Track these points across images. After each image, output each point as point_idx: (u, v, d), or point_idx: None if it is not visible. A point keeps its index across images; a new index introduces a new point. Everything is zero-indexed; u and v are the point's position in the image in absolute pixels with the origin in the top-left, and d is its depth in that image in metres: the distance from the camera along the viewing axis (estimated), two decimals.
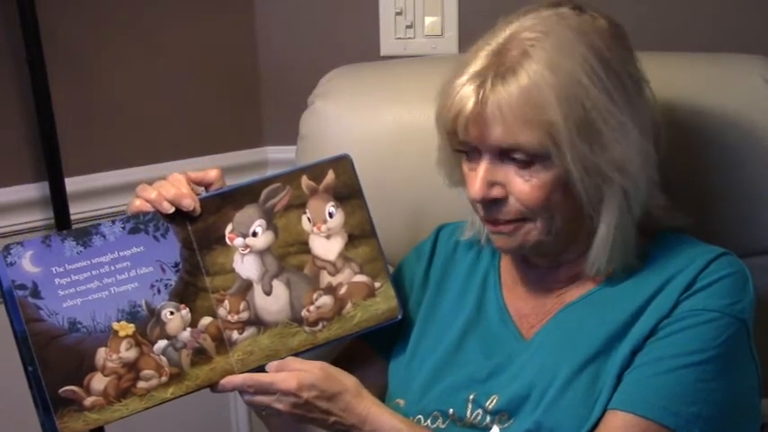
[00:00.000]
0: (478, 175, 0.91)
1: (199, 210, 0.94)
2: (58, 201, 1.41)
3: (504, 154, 0.90)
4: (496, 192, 0.92)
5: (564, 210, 0.92)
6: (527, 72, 0.87)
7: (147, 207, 0.94)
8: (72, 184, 1.44)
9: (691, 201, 1.00)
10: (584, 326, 0.94)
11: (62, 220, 1.41)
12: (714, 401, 0.88)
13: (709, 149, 1.10)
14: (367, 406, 0.94)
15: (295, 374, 0.92)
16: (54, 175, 1.40)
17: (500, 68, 0.88)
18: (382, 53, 1.59)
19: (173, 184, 0.94)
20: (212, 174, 0.97)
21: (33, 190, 1.42)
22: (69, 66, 1.43)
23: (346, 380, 0.95)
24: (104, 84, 1.49)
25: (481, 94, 0.88)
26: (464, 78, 0.90)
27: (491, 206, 0.93)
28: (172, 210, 0.93)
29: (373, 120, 1.24)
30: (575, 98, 0.87)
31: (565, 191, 0.90)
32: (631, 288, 0.94)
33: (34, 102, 1.37)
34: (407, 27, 1.57)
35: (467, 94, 0.89)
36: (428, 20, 1.56)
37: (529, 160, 0.89)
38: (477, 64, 0.90)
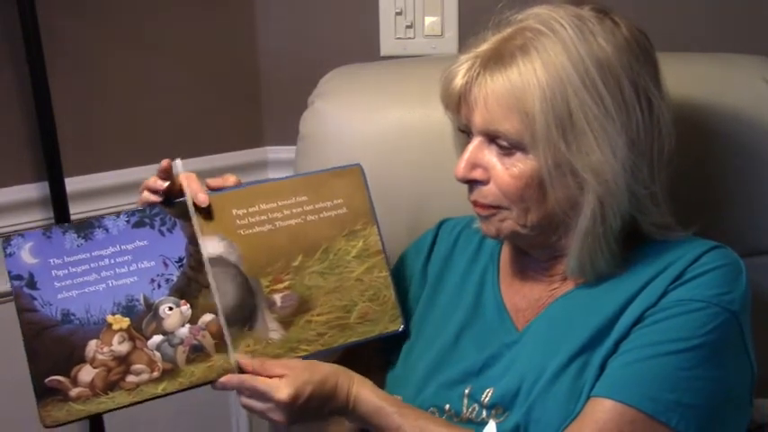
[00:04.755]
0: (464, 155, 0.95)
1: (199, 192, 0.96)
2: (58, 201, 1.41)
3: (491, 138, 0.93)
4: (478, 174, 0.95)
5: (539, 205, 0.93)
6: (518, 66, 0.89)
7: (158, 185, 0.95)
8: (72, 184, 1.44)
9: (691, 201, 1.00)
10: (573, 319, 0.95)
11: (62, 221, 1.41)
12: (696, 390, 0.88)
13: (710, 150, 1.10)
14: (350, 386, 0.95)
15: (288, 381, 0.92)
16: (54, 175, 1.40)
17: (496, 56, 0.91)
18: (382, 53, 1.59)
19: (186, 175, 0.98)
20: (231, 180, 0.99)
21: (33, 190, 1.42)
22: (69, 66, 1.43)
23: (324, 367, 0.95)
24: (104, 84, 1.48)
25: (468, 77, 0.93)
26: (464, 57, 0.95)
27: (473, 187, 0.96)
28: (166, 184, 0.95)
29: (373, 120, 1.24)
30: (561, 96, 0.88)
31: (541, 187, 0.92)
32: (621, 281, 0.95)
33: (34, 102, 1.37)
34: (407, 27, 1.57)
35: (458, 73, 0.94)
36: (428, 20, 1.56)
37: (510, 148, 0.92)
38: (482, 46, 0.94)
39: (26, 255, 0.91)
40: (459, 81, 0.94)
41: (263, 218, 0.98)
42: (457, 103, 0.96)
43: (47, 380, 0.90)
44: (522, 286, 1.03)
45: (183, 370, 0.94)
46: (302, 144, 1.27)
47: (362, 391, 0.95)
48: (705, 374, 0.88)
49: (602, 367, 0.90)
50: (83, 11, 1.44)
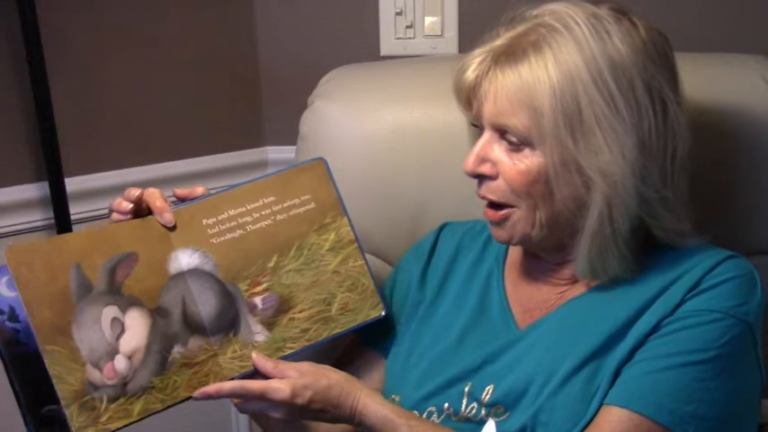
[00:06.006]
0: (474, 149, 0.95)
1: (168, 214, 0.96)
2: (58, 201, 1.41)
3: (501, 133, 0.93)
4: (486, 168, 0.95)
5: (546, 202, 0.92)
6: (530, 62, 0.89)
7: (122, 207, 0.95)
8: (72, 184, 1.44)
9: (691, 200, 1.00)
10: (586, 322, 0.94)
11: (62, 220, 1.41)
12: (712, 402, 0.88)
13: (710, 149, 1.10)
14: (357, 397, 0.94)
15: (288, 382, 0.92)
16: (54, 175, 1.40)
17: (508, 51, 0.91)
18: (382, 53, 1.59)
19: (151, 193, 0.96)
20: (199, 191, 0.99)
21: (33, 190, 1.42)
22: (69, 66, 1.43)
23: (333, 374, 0.95)
24: (104, 84, 1.49)
25: (479, 71, 0.93)
26: (477, 51, 0.95)
27: (481, 181, 0.96)
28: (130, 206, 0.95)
29: (373, 120, 1.24)
30: (570, 93, 0.88)
31: (548, 183, 0.91)
32: (636, 287, 0.94)
33: (34, 102, 1.37)
34: (407, 27, 1.57)
35: (469, 66, 0.94)
36: (428, 20, 1.56)
37: (519, 144, 0.91)
38: (495, 41, 0.94)
39: (3, 288, 0.90)
40: (469, 75, 0.94)
41: (233, 224, 0.98)
42: (467, 97, 0.96)
43: (44, 410, 0.89)
44: (529, 286, 1.03)
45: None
46: (302, 144, 1.27)
47: (370, 403, 0.94)
48: (720, 386, 0.88)
49: (616, 373, 0.90)
50: (83, 11, 1.44)
